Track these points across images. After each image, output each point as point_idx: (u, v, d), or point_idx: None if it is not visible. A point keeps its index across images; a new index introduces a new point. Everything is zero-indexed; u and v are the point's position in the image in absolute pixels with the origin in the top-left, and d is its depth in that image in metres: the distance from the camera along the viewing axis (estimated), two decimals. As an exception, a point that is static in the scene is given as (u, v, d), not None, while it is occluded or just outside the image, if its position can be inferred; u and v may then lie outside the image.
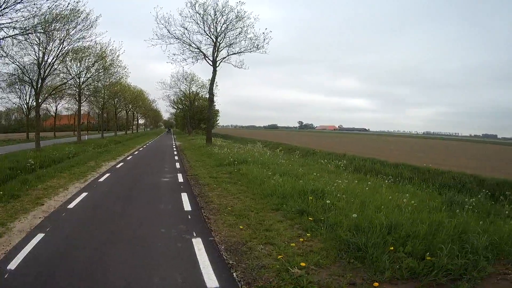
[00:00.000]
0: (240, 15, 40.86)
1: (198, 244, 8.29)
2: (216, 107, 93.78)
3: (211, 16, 40.99)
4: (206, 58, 43.06)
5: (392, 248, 7.61)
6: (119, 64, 48.28)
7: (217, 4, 40.67)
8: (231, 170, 20.76)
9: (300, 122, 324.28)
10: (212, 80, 45.24)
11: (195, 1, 40.34)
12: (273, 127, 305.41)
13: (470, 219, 9.91)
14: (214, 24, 41.39)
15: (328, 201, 11.01)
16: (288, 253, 7.76)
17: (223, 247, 8.19)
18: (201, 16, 40.93)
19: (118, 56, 45.31)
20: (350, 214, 9.51)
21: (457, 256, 7.25)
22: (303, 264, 7.13)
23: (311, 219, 10.15)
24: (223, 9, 40.73)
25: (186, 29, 41.53)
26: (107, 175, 19.39)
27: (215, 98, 53.17)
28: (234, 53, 42.76)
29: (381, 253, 7.41)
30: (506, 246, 8.31)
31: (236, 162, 23.08)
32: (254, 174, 17.74)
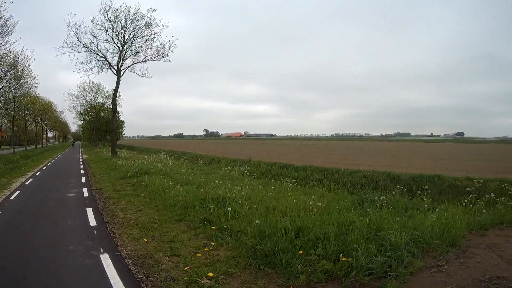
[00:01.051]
0: (149, 22, 41.85)
1: (106, 260, 8.29)
2: (121, 118, 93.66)
3: (121, 23, 41.57)
4: (111, 67, 43.63)
5: (301, 252, 7.76)
6: (29, 74, 47.21)
7: (129, 11, 41.31)
8: (134, 182, 21.21)
9: (206, 130, 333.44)
10: (116, 90, 45.91)
11: (108, 8, 40.85)
12: (179, 136, 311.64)
13: (385, 216, 10.25)
14: (123, 32, 42.05)
15: (229, 209, 11.27)
16: (195, 264, 7.90)
17: (130, 262, 8.25)
18: (112, 23, 41.40)
19: (29, 65, 44.42)
20: (254, 220, 9.72)
21: (375, 255, 7.45)
22: (210, 274, 7.22)
23: (214, 227, 10.40)
24: (134, 16, 41.56)
25: (95, 37, 41.87)
26: (18, 192, 19.44)
27: (119, 109, 54.17)
28: (139, 62, 43.92)
29: (291, 257, 7.56)
30: (431, 239, 8.65)
31: (138, 174, 23.59)
32: (156, 185, 18.09)
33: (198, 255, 8.51)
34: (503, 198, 14.40)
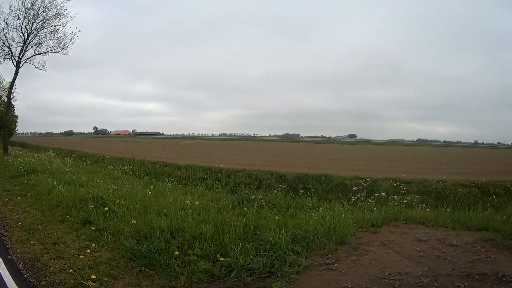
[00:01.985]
0: (60, 12, 41.05)
1: (0, 265, 8.12)
2: (15, 113, 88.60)
3: (34, 10, 40.51)
4: (13, 58, 41.95)
5: (177, 252, 7.80)
6: None
7: None
8: (22, 181, 20.53)
9: (95, 128, 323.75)
10: (13, 82, 44.54)
11: None
12: (69, 133, 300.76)
13: (265, 215, 10.48)
14: (33, 20, 40.84)
15: (107, 209, 11.21)
16: (79, 266, 7.81)
17: (21, 265, 8.08)
18: (26, 10, 40.31)
19: None
20: (131, 220, 9.76)
21: (254, 255, 7.56)
22: (93, 276, 7.15)
23: (94, 228, 10.23)
24: (49, 4, 40.82)
25: (7, 24, 40.57)
26: None
27: (14, 103, 51.57)
28: (40, 53, 42.42)
29: (169, 258, 7.57)
30: (316, 238, 8.77)
31: (26, 173, 22.84)
32: (42, 184, 17.73)
33: (81, 257, 8.38)
34: (395, 196, 15.17)
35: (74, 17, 41.99)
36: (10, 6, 40.16)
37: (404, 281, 6.80)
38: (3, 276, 7.50)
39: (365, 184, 18.58)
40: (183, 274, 7.11)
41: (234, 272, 7.02)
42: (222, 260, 7.39)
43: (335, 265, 7.59)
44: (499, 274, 7.15)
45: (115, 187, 14.95)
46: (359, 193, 15.31)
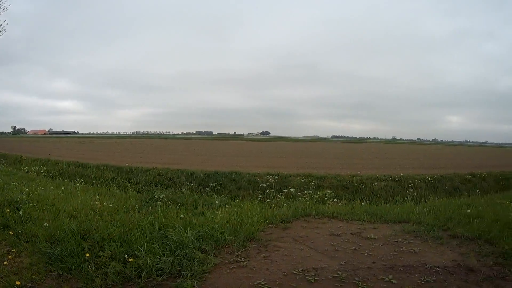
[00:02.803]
0: None
1: None
2: None
3: None
4: None
5: (88, 254, 7.57)
6: None
7: None
8: None
9: (14, 127, 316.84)
10: None
11: None
12: None
13: (172, 214, 10.28)
14: None
15: (21, 212, 10.88)
16: (4, 273, 7.40)
17: None
18: None
19: None
20: (44, 223, 9.48)
21: (161, 254, 7.47)
22: (18, 283, 6.86)
23: (12, 233, 9.82)
24: None
25: None
26: None
27: None
28: None
29: (82, 260, 7.40)
30: (223, 235, 8.69)
31: None
32: None
33: (5, 263, 7.91)
34: (306, 192, 15.25)
35: (6, 8, 39.85)
36: None
37: (320, 276, 6.78)
38: None
39: (273, 181, 18.55)
40: (97, 276, 6.91)
41: (144, 272, 6.91)
42: (132, 261, 7.23)
43: (245, 262, 7.52)
44: (427, 265, 7.28)
45: (27, 189, 14.50)
46: (267, 189, 15.11)
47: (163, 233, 8.56)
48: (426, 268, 7.13)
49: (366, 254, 7.88)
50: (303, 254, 7.92)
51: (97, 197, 13.20)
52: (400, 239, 8.92)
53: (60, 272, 7.26)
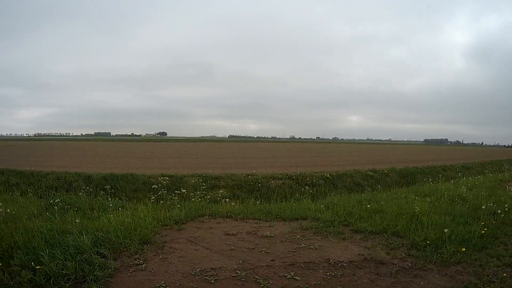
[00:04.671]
0: None
1: None
2: None
3: None
4: None
5: (0, 263, 7.39)
6: None
7: None
8: None
9: None
10: None
11: None
12: None
13: (70, 219, 10.16)
14: None
15: None
16: None
17: None
18: None
19: None
20: None
21: (63, 260, 7.37)
22: None
23: None
24: None
25: None
26: None
27: None
28: None
29: None
30: (118, 239, 8.69)
31: None
32: None
33: None
34: (198, 192, 15.70)
35: None
36: None
37: (219, 276, 6.97)
38: None
39: (165, 182, 18.68)
40: (12, 285, 6.84)
41: (52, 279, 6.86)
42: (39, 268, 7.16)
43: (143, 265, 7.61)
44: (331, 260, 7.60)
45: None
46: (160, 191, 15.34)
47: (62, 239, 8.42)
48: (330, 263, 7.40)
49: (263, 252, 8.09)
50: (199, 255, 8.09)
51: (0, 204, 12.40)
52: (298, 236, 9.19)
53: None
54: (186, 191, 15.18)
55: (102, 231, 8.97)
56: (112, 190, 17.09)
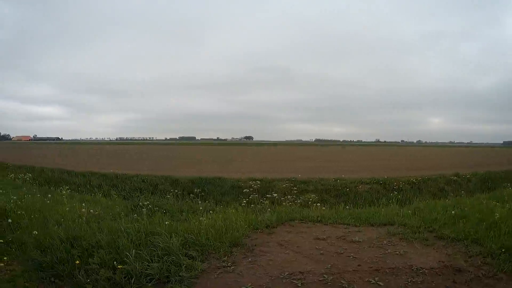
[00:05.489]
0: None
1: None
2: None
3: None
4: None
5: (78, 261, 7.52)
6: None
7: None
8: None
9: None
10: None
11: None
12: None
13: (157, 221, 10.23)
14: None
15: (10, 220, 10.85)
16: None
17: None
18: None
19: None
20: (33, 231, 9.48)
21: (149, 260, 7.47)
22: None
23: (2, 241, 9.65)
24: None
25: None
26: None
27: None
28: None
29: (72, 268, 7.41)
30: (208, 241, 8.71)
31: None
32: None
33: None
34: (289, 196, 15.62)
35: None
36: None
37: (307, 279, 6.83)
38: None
39: (255, 186, 19.07)
40: (88, 283, 6.93)
41: (134, 278, 6.94)
42: (121, 267, 7.24)
43: (232, 267, 7.60)
44: (414, 267, 7.36)
45: (15, 197, 14.20)
46: (251, 195, 15.50)
47: (150, 240, 8.52)
48: (412, 269, 7.19)
49: (351, 257, 7.92)
50: (288, 258, 7.97)
51: (83, 204, 13.06)
52: (385, 242, 8.99)
53: (52, 279, 7.32)
54: (277, 195, 15.16)
55: (192, 233, 9.01)
56: (202, 194, 17.19)
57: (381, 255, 8.04)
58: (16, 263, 8.37)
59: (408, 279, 6.77)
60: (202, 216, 11.26)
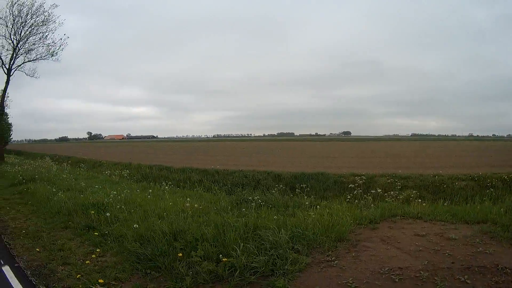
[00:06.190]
0: (48, 18, 41.42)
1: (8, 272, 8.24)
2: (9, 121, 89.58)
3: (21, 18, 40.71)
4: (3, 66, 42.54)
5: (181, 254, 7.86)
6: None
7: (33, 5, 40.70)
8: (21, 189, 20.54)
9: (89, 133, 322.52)
10: (5, 90, 44.77)
11: (15, 1, 40.14)
12: (64, 139, 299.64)
13: (264, 215, 10.57)
14: (21, 28, 41.12)
15: (108, 214, 11.41)
16: (85, 271, 7.99)
17: (29, 273, 8.16)
18: (14, 18, 40.57)
19: None
20: (133, 225, 9.93)
21: (256, 254, 7.68)
22: (101, 280, 7.31)
23: (97, 233, 10.43)
24: (37, 11, 40.96)
25: None
26: None
27: (7, 110, 51.50)
28: (30, 60, 42.96)
29: (173, 260, 7.71)
30: (315, 236, 8.92)
31: (25, 181, 22.79)
32: (41, 192, 17.71)
33: (87, 262, 8.53)
34: (392, 192, 15.38)
35: (62, 23, 42.11)
36: None
37: (404, 275, 6.93)
38: (12, 284, 7.63)
39: (360, 181, 18.53)
40: (188, 275, 7.22)
41: (238, 271, 7.15)
42: (225, 261, 7.48)
43: (335, 261, 7.72)
44: (499, 266, 7.24)
45: (115, 192, 14.96)
46: (355, 190, 15.21)
47: (257, 234, 8.82)
48: (498, 269, 7.16)
49: (446, 254, 7.97)
50: (389, 254, 8.11)
51: (188, 199, 13.43)
52: (477, 240, 8.91)
53: (148, 271, 7.79)
54: (381, 191, 15.16)
55: (299, 228, 9.28)
56: (308, 189, 17.31)
57: (472, 253, 8.01)
58: (109, 255, 9.05)
59: (492, 278, 6.78)
60: (309, 211, 11.45)
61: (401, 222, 10.89)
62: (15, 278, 7.86)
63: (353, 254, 8.18)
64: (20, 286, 7.51)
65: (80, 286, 7.20)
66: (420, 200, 14.07)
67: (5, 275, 8.09)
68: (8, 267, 8.52)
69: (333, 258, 7.92)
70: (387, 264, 7.51)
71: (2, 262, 8.90)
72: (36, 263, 8.72)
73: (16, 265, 8.68)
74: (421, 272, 7.01)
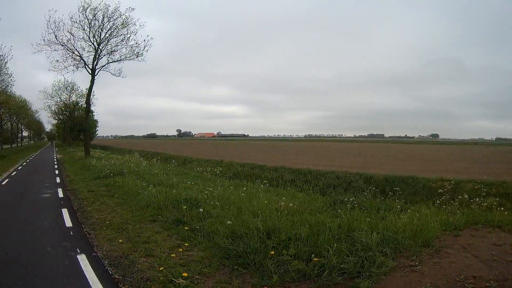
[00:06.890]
0: (126, 21, 42.62)
1: (83, 261, 8.65)
2: (95, 117, 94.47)
3: (98, 21, 42.21)
4: (86, 66, 44.10)
5: (273, 252, 8.25)
6: (6, 72, 49.99)
7: (107, 9, 42.09)
8: (108, 182, 21.67)
9: (179, 130, 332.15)
10: (90, 89, 46.68)
11: (87, 6, 41.56)
12: (152, 136, 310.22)
13: (357, 217, 10.73)
14: (100, 31, 42.68)
15: (201, 209, 11.81)
16: (169, 264, 8.33)
17: (106, 262, 8.59)
18: (90, 21, 42.07)
19: (6, 62, 47.24)
20: (226, 221, 10.24)
21: (347, 255, 7.91)
22: (185, 274, 7.65)
23: (187, 228, 10.90)
24: (113, 14, 42.34)
25: (73, 35, 42.40)
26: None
27: (93, 108, 54.06)
28: (114, 61, 44.44)
29: (263, 257, 8.06)
30: (404, 240, 9.08)
31: (112, 175, 24.08)
32: (130, 186, 18.69)
33: (172, 255, 8.89)
34: (477, 199, 15.14)
35: (143, 25, 43.27)
36: (71, 18, 41.98)
37: (476, 284, 7.00)
38: (84, 271, 8.01)
39: (449, 187, 18.64)
40: (276, 273, 7.53)
41: (327, 271, 7.40)
42: (316, 260, 7.73)
43: (418, 267, 7.87)
44: None
45: (210, 189, 15.47)
46: (443, 196, 15.26)
47: (349, 235, 9.00)
48: None
49: None
50: (467, 262, 8.10)
51: (283, 198, 13.62)
52: None
53: (236, 267, 7.98)
54: (467, 197, 15.09)
55: (390, 231, 9.38)
56: (400, 192, 17.57)
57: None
58: (196, 249, 9.31)
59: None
60: (400, 214, 11.59)
61: (482, 230, 10.83)
62: (90, 267, 8.29)
63: (435, 260, 8.27)
64: (94, 274, 7.86)
65: (161, 278, 7.51)
66: (502, 208, 13.92)
67: (79, 263, 8.53)
68: (84, 255, 9.02)
69: (416, 263, 8.05)
70: (464, 272, 7.56)
71: (78, 250, 9.42)
72: (116, 253, 9.20)
73: (93, 254, 9.19)
74: (491, 282, 7.05)
